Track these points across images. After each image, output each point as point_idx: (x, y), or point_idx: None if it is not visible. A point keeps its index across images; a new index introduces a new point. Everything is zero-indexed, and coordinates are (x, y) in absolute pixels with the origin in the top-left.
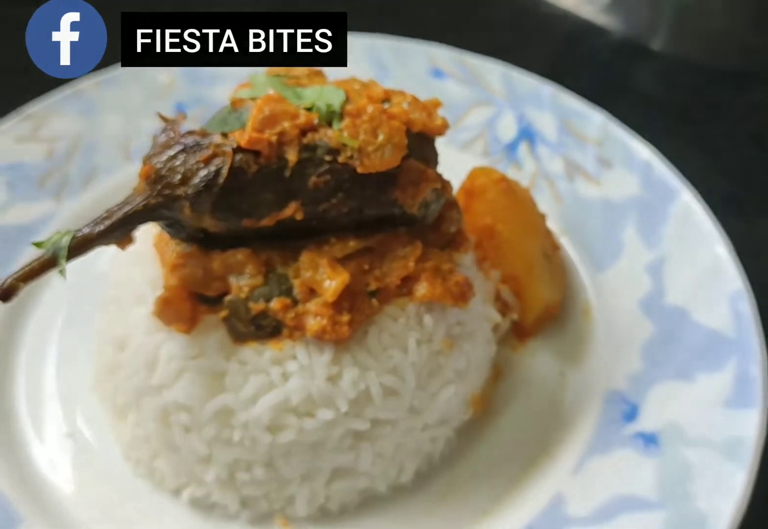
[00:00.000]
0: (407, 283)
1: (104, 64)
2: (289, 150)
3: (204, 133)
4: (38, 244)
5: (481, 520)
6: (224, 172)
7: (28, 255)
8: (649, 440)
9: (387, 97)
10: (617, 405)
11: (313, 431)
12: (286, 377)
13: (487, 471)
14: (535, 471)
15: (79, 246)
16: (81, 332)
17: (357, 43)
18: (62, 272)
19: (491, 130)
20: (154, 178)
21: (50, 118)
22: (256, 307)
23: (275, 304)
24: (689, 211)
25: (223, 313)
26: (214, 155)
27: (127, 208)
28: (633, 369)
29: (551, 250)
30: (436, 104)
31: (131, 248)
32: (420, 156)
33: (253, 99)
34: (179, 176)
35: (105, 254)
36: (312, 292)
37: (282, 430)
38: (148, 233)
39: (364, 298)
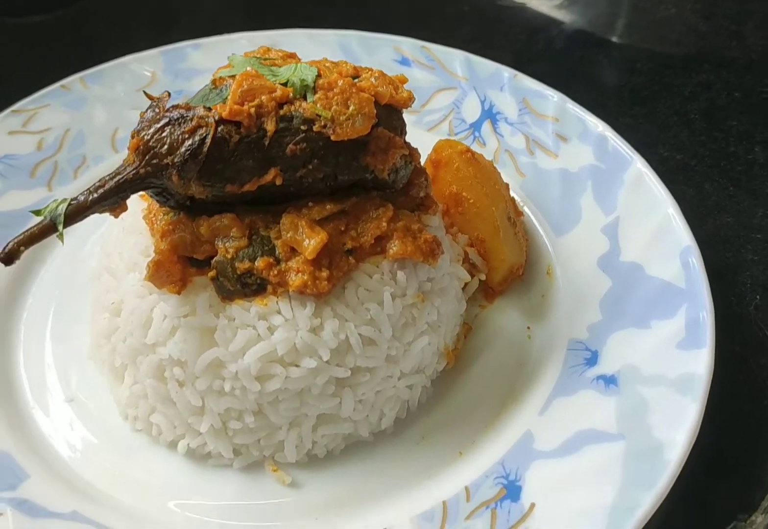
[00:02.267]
0: (380, 242)
1: (90, 61)
2: (268, 121)
3: (188, 107)
4: (37, 212)
5: (458, 459)
6: (208, 141)
7: None
8: (609, 381)
9: (356, 73)
10: (579, 352)
11: (298, 379)
12: (271, 330)
13: (462, 416)
14: (505, 414)
15: (75, 213)
16: (74, 309)
17: (328, 36)
18: (60, 237)
19: (456, 111)
20: (143, 150)
21: (39, 112)
22: (242, 266)
23: (259, 263)
24: (641, 177)
25: (211, 273)
26: (198, 126)
27: (118, 178)
28: (593, 320)
29: (515, 215)
30: (402, 80)
31: (121, 222)
32: (389, 125)
33: (233, 77)
34: (166, 147)
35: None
36: (293, 251)
37: (269, 379)
38: (137, 208)
39: (342, 256)
